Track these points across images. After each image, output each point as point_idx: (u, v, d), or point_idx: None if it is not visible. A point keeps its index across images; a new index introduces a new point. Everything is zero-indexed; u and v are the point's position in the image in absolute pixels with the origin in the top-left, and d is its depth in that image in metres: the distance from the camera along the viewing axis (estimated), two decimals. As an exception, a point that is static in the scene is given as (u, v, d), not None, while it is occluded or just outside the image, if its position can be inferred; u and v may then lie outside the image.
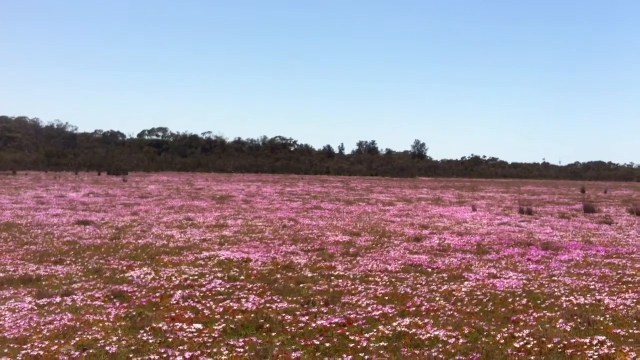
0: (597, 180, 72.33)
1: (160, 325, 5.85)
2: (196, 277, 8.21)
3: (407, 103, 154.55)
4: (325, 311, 6.51)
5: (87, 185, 32.89)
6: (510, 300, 7.15)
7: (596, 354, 5.15)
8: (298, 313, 6.40)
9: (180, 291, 7.33)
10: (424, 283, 8.12)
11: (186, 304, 6.76)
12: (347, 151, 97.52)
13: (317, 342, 5.41)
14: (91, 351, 5.10)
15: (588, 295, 7.43)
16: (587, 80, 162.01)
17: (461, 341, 5.50)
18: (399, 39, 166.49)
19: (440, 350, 5.24)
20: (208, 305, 6.71)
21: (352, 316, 6.30)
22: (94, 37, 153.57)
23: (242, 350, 5.18)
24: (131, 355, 5.02)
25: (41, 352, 5.05)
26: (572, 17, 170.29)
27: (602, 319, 6.27)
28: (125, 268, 8.83)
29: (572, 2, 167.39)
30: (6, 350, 5.09)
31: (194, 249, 10.74)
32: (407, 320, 6.15)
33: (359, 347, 5.33)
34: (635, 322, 6.18)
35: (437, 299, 7.19)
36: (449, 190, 36.82)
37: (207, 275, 8.34)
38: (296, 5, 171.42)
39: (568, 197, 32.56)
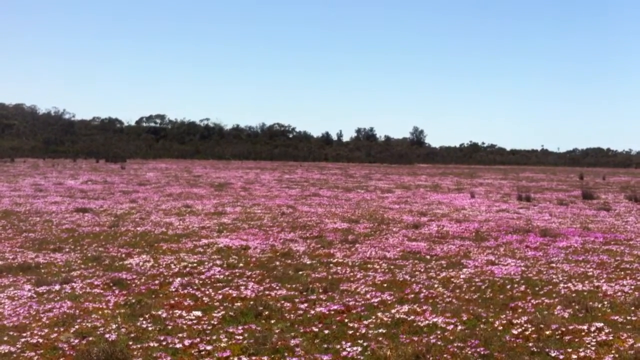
0: (595, 167, 72.36)
1: (160, 313, 5.87)
2: (195, 265, 8.22)
3: (406, 90, 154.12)
4: (323, 298, 6.53)
5: (85, 172, 32.84)
6: (508, 286, 7.18)
7: (594, 340, 5.18)
8: (297, 300, 6.42)
9: (179, 278, 7.34)
10: (422, 270, 8.14)
11: (185, 291, 6.78)
12: (346, 138, 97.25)
13: (316, 329, 5.43)
14: (90, 338, 5.11)
15: (586, 282, 7.45)
16: (586, 66, 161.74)
17: (459, 328, 5.52)
18: (397, 27, 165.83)
19: (439, 336, 5.27)
20: (207, 292, 6.73)
21: (350, 303, 6.32)
22: (90, 23, 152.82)
23: (241, 337, 5.19)
24: (130, 343, 5.03)
25: (40, 340, 5.06)
26: (570, 4, 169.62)
27: (600, 306, 6.29)
28: (124, 255, 8.84)
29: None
30: (5, 338, 5.10)
31: (193, 236, 10.74)
32: (406, 307, 6.17)
33: (357, 334, 5.35)
34: (633, 308, 6.20)
35: (436, 285, 7.21)
36: (448, 177, 36.83)
37: (206, 263, 8.35)
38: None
39: (566, 183, 32.59)
